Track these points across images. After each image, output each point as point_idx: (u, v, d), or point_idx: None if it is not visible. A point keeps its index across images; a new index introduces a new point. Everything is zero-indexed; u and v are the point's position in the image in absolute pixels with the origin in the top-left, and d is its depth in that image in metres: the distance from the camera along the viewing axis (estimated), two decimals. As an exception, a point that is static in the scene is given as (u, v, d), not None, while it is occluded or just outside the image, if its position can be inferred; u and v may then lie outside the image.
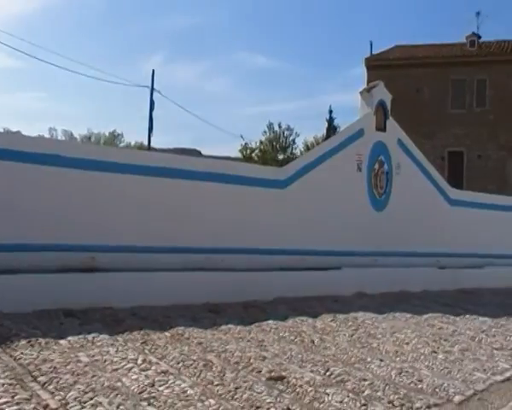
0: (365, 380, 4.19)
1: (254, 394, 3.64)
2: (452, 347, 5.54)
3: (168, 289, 6.23)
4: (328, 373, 4.30)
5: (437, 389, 4.18)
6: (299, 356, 4.69)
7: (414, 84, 30.24)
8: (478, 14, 33.09)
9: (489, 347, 5.71)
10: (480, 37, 32.04)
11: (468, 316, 7.17)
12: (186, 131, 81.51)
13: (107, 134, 60.32)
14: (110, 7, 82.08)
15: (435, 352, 5.29)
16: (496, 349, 5.64)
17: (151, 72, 32.87)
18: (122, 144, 57.56)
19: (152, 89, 31.99)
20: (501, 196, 14.26)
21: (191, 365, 4.13)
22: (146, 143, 33.94)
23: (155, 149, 29.71)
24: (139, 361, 4.04)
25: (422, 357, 5.07)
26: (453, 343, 5.68)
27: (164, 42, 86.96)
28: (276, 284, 7.19)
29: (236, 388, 3.73)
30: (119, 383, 3.53)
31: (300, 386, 3.91)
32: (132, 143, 55.39)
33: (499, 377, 4.69)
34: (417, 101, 29.92)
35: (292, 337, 5.34)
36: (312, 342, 5.25)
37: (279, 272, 7.40)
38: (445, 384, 4.29)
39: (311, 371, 4.31)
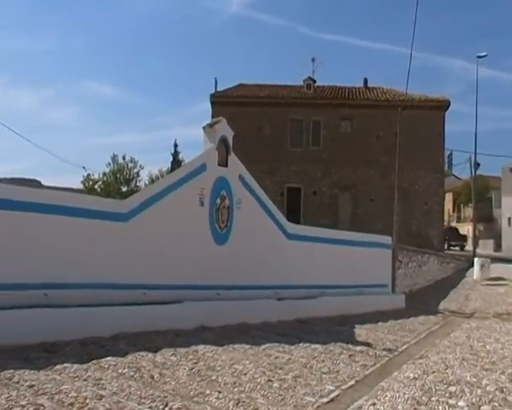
0: (203, 413, 4.27)
1: (88, 436, 3.53)
2: (287, 375, 5.84)
3: (-3, 330, 5.79)
4: (167, 408, 4.32)
5: (271, 417, 4.39)
6: (138, 393, 4.63)
7: (256, 121, 31.68)
8: (313, 60, 35.92)
9: (318, 372, 6.12)
10: (315, 81, 34.66)
11: (301, 344, 7.58)
12: (24, 159, 76.35)
13: None
14: None
15: (271, 380, 5.54)
16: (324, 373, 6.06)
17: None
18: None
19: (-15, 112, 29.61)
20: (333, 230, 15.39)
21: (19, 411, 3.89)
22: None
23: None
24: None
25: (259, 386, 5.28)
26: (287, 371, 5.99)
27: (4, 65, 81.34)
28: (116, 320, 7.00)
29: (69, 431, 3.59)
30: None
31: (138, 424, 3.87)
32: (-41, 171, 50.57)
33: (325, 399, 5.07)
34: (259, 138, 31.36)
35: (131, 373, 5.25)
36: (152, 377, 5.22)
37: (119, 307, 7.22)
38: (279, 411, 4.52)
39: (150, 408, 4.30)
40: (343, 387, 5.58)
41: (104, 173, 44.22)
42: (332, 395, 5.21)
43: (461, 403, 5.15)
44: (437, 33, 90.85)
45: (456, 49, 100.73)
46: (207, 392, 4.90)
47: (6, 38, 78.81)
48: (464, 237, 45.17)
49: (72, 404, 4.18)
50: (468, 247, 40.71)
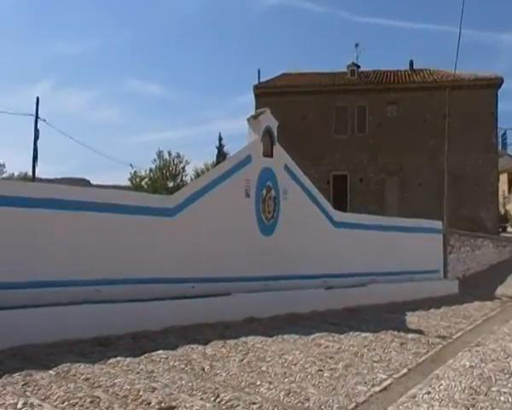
0: (255, 404, 4.29)
1: (142, 427, 3.60)
2: (337, 364, 5.80)
3: (53, 325, 5.98)
4: (218, 400, 4.35)
5: (322, 406, 4.37)
6: (190, 384, 4.69)
7: (300, 110, 31.39)
8: (357, 45, 35.30)
9: (370, 360, 6.05)
10: (359, 66, 34.10)
11: (351, 333, 7.52)
12: (72, 159, 78.27)
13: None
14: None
15: (321, 370, 5.51)
16: (375, 362, 5.98)
17: (36, 100, 31.28)
18: (4, 175, 54.23)
19: (36, 117, 30.52)
20: (381, 216, 15.16)
21: (77, 403, 4.02)
22: (30, 173, 32.14)
23: (41, 180, 28.37)
24: (19, 405, 3.86)
25: (309, 376, 5.26)
26: (338, 360, 5.94)
27: (52, 69, 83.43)
28: (166, 313, 7.13)
29: (124, 423, 3.67)
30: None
31: (190, 415, 3.92)
32: (16, 174, 52.40)
33: (378, 388, 5.00)
34: (303, 127, 31.09)
35: (182, 366, 5.33)
36: (203, 369, 5.27)
37: (169, 300, 7.33)
38: (330, 401, 4.49)
39: (201, 399, 4.34)
40: (395, 375, 5.50)
41: (150, 170, 44.91)
42: (384, 384, 5.14)
43: (525, 395, 4.97)
44: (484, 8, 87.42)
45: (506, 23, 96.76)
46: (258, 383, 4.92)
47: (52, 42, 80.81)
48: (503, 218, 43.68)
49: (126, 396, 4.27)
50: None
